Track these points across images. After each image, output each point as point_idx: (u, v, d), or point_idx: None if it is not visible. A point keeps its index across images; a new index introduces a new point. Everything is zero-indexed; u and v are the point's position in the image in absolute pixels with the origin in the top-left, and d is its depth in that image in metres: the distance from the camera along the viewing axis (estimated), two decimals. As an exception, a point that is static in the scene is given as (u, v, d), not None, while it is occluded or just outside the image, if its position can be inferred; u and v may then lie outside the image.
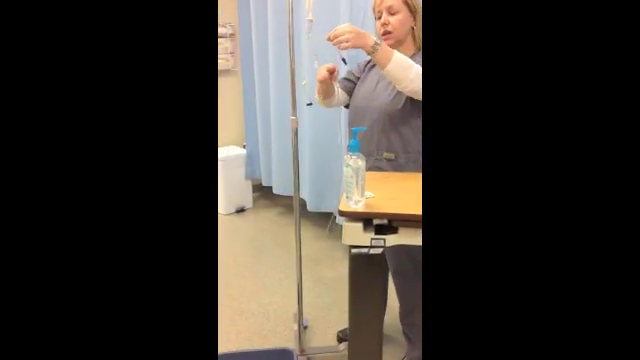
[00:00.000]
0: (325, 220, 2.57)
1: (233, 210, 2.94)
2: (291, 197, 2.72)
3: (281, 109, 2.56)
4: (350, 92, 1.35)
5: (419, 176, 0.68)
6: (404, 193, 0.93)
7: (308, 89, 1.38)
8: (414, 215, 0.79)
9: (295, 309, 1.58)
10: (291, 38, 1.23)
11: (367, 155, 1.22)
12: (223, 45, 2.99)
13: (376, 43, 1.02)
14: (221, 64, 2.97)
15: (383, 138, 1.20)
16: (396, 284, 1.34)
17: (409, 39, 1.22)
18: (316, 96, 1.32)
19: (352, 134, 0.85)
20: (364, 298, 0.94)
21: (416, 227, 0.79)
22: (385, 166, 1.21)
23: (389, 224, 0.83)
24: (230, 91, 3.01)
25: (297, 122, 1.32)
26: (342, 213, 0.85)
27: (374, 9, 1.23)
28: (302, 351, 1.52)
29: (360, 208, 0.85)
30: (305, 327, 1.68)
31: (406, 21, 1.18)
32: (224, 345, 1.60)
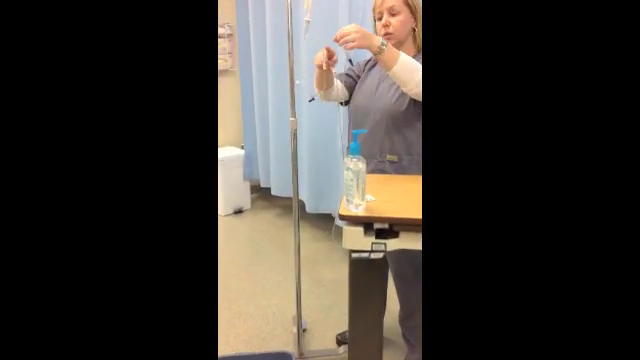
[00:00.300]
0: (324, 221, 2.55)
1: (231, 211, 2.92)
2: (289, 198, 2.71)
3: (279, 109, 2.54)
4: (350, 88, 1.33)
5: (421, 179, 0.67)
6: (406, 196, 0.92)
7: (308, 87, 1.36)
8: (415, 219, 0.78)
9: (294, 312, 1.56)
10: (290, 38, 1.22)
11: (370, 157, 1.21)
12: (221, 45, 2.97)
13: (382, 44, 1.01)
14: (219, 64, 2.95)
15: (386, 140, 1.19)
16: (397, 287, 1.33)
17: (409, 40, 1.21)
18: (315, 89, 1.30)
19: (353, 137, 0.84)
20: (364, 302, 0.93)
21: (417, 231, 0.78)
22: (388, 168, 1.20)
23: (390, 228, 0.82)
24: (228, 91, 2.99)
25: (296, 123, 1.30)
26: (342, 217, 0.84)
27: (374, 10, 1.21)
28: (301, 354, 1.51)
29: (360, 212, 0.84)
30: (304, 330, 1.66)
31: (407, 22, 1.17)
32: (223, 348, 1.58)
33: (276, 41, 2.45)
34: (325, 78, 1.23)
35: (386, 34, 1.18)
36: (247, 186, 3.00)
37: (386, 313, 1.43)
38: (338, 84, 1.30)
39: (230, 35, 2.99)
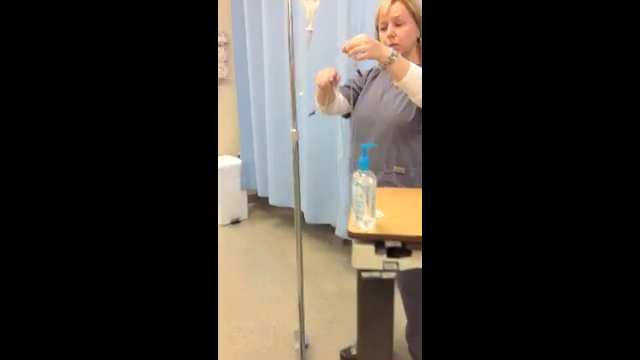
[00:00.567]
0: (324, 232, 2.52)
1: (228, 221, 2.88)
2: (288, 208, 2.68)
3: (277, 118, 2.51)
4: (351, 100, 1.31)
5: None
6: (416, 211, 0.89)
7: (307, 99, 1.33)
8: (429, 237, 0.75)
9: (295, 326, 1.52)
10: (291, 48, 1.19)
11: (376, 169, 1.18)
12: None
13: (393, 54, 0.99)
14: (215, 73, 2.92)
15: (393, 151, 1.17)
16: (404, 302, 1.29)
17: (414, 50, 1.19)
18: (316, 103, 1.27)
19: (361, 151, 0.81)
20: (374, 322, 0.89)
21: (431, 250, 0.75)
22: (395, 180, 1.17)
23: (403, 246, 0.78)
24: (224, 100, 2.96)
25: (298, 135, 1.27)
26: (352, 235, 0.81)
27: (377, 19, 1.19)
28: (304, 372, 1.46)
29: (371, 230, 0.80)
30: (306, 346, 1.62)
31: (412, 32, 1.15)
32: (222, 366, 1.53)
33: (272, 49, 2.43)
34: (327, 94, 1.21)
35: (392, 45, 1.15)
36: (244, 196, 2.96)
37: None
38: (339, 97, 1.27)
39: (226, 44, 2.96)
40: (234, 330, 1.76)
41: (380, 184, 1.16)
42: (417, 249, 0.78)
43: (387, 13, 1.14)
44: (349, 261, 2.36)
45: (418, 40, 1.18)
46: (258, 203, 3.07)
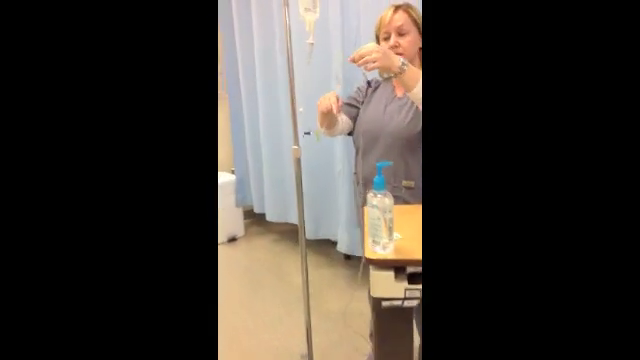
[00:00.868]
0: (325, 247, 2.45)
1: (225, 239, 2.79)
2: (285, 224, 2.61)
3: (272, 132, 2.46)
4: (354, 118, 1.26)
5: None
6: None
7: (305, 116, 1.28)
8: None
9: (299, 348, 1.44)
10: (290, 62, 1.14)
11: (384, 184, 1.13)
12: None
13: (403, 64, 0.94)
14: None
15: (401, 165, 1.12)
16: (418, 322, 1.23)
17: (417, 60, 1.15)
18: (318, 127, 1.23)
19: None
20: (394, 353, 0.83)
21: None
22: (404, 195, 1.12)
23: (425, 272, 0.73)
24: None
25: (300, 152, 1.21)
26: (370, 261, 0.75)
27: (379, 29, 1.15)
28: (314, 399, 1.38)
29: (390, 255, 0.74)
30: (314, 370, 1.54)
31: (416, 42, 1.11)
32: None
33: (264, 62, 2.39)
34: (330, 118, 1.16)
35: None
36: (240, 212, 2.88)
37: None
38: (342, 118, 1.23)
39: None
40: (236, 355, 1.68)
41: None
42: (441, 274, 0.72)
43: (389, 22, 1.10)
44: (351, 276, 2.29)
45: (420, 49, 1.14)
46: (254, 219, 2.99)
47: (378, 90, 1.27)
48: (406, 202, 1.12)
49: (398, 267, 0.74)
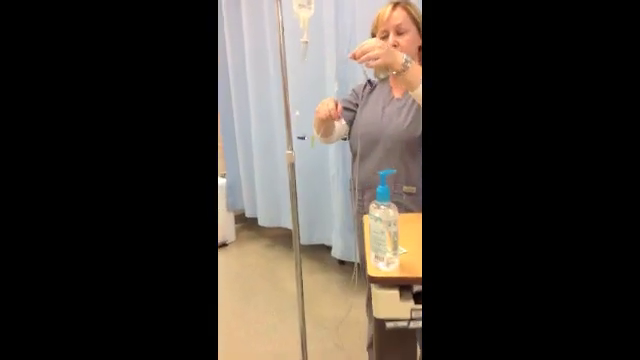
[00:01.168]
0: (319, 252, 2.39)
1: (215, 245, 2.71)
2: (278, 228, 2.54)
3: (263, 135, 2.38)
4: (350, 121, 1.20)
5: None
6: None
7: (301, 120, 1.22)
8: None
9: (295, 358, 1.38)
10: (283, 62, 1.08)
11: None
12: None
13: (407, 61, 0.88)
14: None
15: (401, 170, 1.06)
16: (418, 333, 1.17)
17: (416, 60, 1.09)
18: (314, 134, 1.16)
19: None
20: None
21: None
22: (405, 201, 1.06)
23: (433, 290, 0.67)
24: (206, 117, 2.81)
25: (294, 157, 1.15)
26: (374, 280, 0.68)
27: (376, 27, 1.09)
28: (310, 414, 1.32)
29: (395, 272, 0.68)
30: (309, 383, 1.47)
31: (415, 41, 1.05)
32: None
33: (255, 63, 2.32)
34: (328, 125, 1.10)
35: None
36: (231, 217, 2.81)
37: None
38: (339, 123, 1.17)
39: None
40: (229, 368, 1.61)
41: None
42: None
43: (388, 20, 1.04)
44: (346, 281, 2.23)
45: (420, 49, 1.09)
46: (245, 224, 2.92)
47: (374, 92, 1.21)
48: (407, 209, 1.07)
49: (404, 285, 0.68)
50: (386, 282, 0.68)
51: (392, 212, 0.69)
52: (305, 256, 2.45)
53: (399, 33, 1.04)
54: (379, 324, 0.71)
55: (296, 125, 1.71)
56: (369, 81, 1.19)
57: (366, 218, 0.99)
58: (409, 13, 1.06)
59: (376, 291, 0.69)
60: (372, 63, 0.86)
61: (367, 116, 1.15)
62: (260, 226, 2.60)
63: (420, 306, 0.67)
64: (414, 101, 1.09)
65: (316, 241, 2.22)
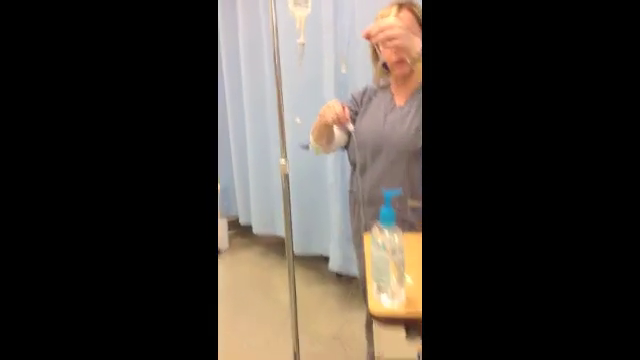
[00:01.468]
0: (315, 262, 2.30)
1: (208, 252, 2.62)
2: (273, 236, 2.45)
3: (258, 140, 2.30)
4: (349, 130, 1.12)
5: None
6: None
7: (302, 127, 1.14)
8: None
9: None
10: (277, 65, 0.99)
11: None
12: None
13: None
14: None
15: (406, 183, 0.97)
16: None
17: (419, 65, 1.01)
18: (312, 142, 1.08)
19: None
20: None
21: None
22: (410, 217, 0.98)
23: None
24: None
25: (288, 167, 1.06)
26: (376, 318, 0.60)
27: (379, 30, 1.01)
28: None
29: (400, 308, 0.60)
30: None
31: (420, 44, 0.97)
32: None
33: (250, 64, 2.23)
34: (330, 131, 1.02)
35: (399, 61, 0.98)
36: (224, 224, 2.71)
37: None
38: (336, 131, 1.09)
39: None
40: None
41: None
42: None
43: None
44: (344, 294, 2.15)
45: None
46: (238, 230, 2.82)
47: (374, 99, 1.12)
48: (412, 226, 0.98)
49: (410, 322, 0.59)
50: (391, 320, 0.59)
51: (398, 238, 0.60)
52: (301, 265, 2.36)
53: None
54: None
55: (295, 132, 1.64)
56: (384, 64, 1.07)
57: (367, 239, 0.90)
58: (415, 15, 0.98)
59: (378, 330, 0.60)
60: (390, 43, 0.78)
61: (368, 124, 1.06)
62: (254, 233, 2.51)
63: (429, 347, 0.58)
64: (418, 109, 1.01)
65: (313, 252, 2.14)
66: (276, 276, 2.35)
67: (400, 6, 0.99)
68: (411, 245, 0.63)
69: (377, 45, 0.82)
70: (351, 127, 1.01)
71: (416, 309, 0.60)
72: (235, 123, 2.48)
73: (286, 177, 1.06)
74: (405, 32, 0.78)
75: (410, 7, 0.99)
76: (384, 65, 1.03)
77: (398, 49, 0.79)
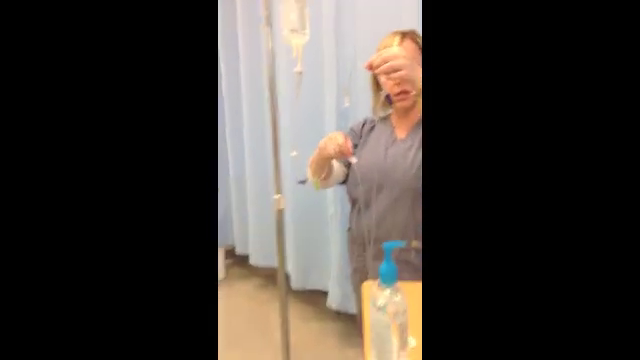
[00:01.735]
0: (315, 296, 2.18)
1: (203, 283, 2.52)
2: (272, 268, 2.35)
3: (257, 167, 2.24)
4: (348, 164, 1.06)
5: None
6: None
7: (299, 160, 1.07)
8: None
9: None
10: (273, 95, 0.94)
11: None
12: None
13: None
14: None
15: (410, 222, 0.90)
16: None
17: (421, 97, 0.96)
18: (309, 177, 1.02)
19: (384, 253, 0.52)
20: None
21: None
22: (414, 260, 0.90)
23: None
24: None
25: (284, 201, 0.99)
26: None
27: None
28: None
29: (403, 382, 0.51)
30: None
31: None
32: None
33: (252, 94, 2.20)
34: (328, 166, 0.96)
35: (402, 92, 0.92)
36: (221, 253, 2.62)
37: None
38: (336, 165, 1.03)
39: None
40: None
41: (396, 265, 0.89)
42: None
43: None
44: (343, 331, 2.03)
45: None
46: (235, 259, 2.72)
47: (374, 131, 1.07)
48: (417, 270, 0.90)
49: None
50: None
51: (399, 299, 0.52)
52: (300, 301, 2.24)
53: None
54: None
55: (296, 165, 1.58)
56: (387, 96, 1.02)
57: (366, 289, 0.82)
58: (419, 45, 0.93)
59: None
60: (394, 75, 0.72)
61: (368, 158, 1.00)
62: (252, 264, 2.41)
63: None
64: (421, 142, 0.94)
65: (311, 286, 2.04)
66: (273, 312, 2.24)
67: (403, 35, 0.94)
68: (415, 296, 0.55)
69: (379, 76, 0.77)
70: (354, 160, 0.95)
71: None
72: (234, 151, 2.43)
73: (280, 212, 0.99)
74: (410, 63, 0.72)
75: (413, 37, 0.95)
76: (387, 97, 0.97)
77: (403, 80, 0.74)
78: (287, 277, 2.15)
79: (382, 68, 0.72)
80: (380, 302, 0.52)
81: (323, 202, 1.85)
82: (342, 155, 0.90)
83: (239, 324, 2.14)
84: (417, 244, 0.91)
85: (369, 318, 0.55)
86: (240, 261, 2.66)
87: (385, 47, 0.94)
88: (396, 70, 0.71)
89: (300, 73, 0.87)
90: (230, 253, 2.68)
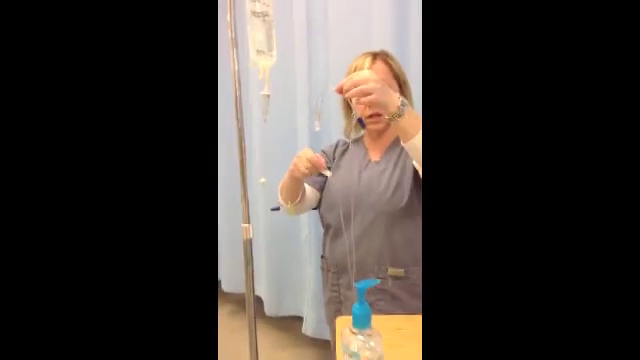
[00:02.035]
0: (289, 322, 2.10)
1: (172, 312, 2.39)
2: (244, 294, 2.26)
3: (228, 189, 2.17)
4: (321, 188, 1.02)
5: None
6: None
7: (269, 187, 1.03)
8: None
9: None
10: (239, 119, 0.89)
11: (364, 273, 0.88)
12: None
13: (403, 104, 0.71)
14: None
15: (385, 248, 0.87)
16: None
17: None
18: (281, 203, 0.97)
19: (357, 293, 0.48)
20: None
21: None
22: (391, 288, 0.86)
23: None
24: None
25: (251, 231, 0.94)
26: None
27: (353, 84, 0.94)
28: None
29: None
30: None
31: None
32: None
33: (223, 117, 2.15)
34: (297, 190, 0.92)
35: (373, 115, 0.90)
36: (192, 279, 2.50)
37: None
38: (308, 189, 0.99)
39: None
40: None
41: (372, 293, 0.85)
42: None
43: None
44: (320, 357, 1.94)
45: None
46: (209, 285, 2.61)
47: (347, 153, 1.04)
48: (394, 297, 0.86)
49: None
50: None
51: (374, 341, 0.47)
52: (272, 327, 2.15)
53: None
54: None
55: (270, 190, 1.53)
56: (360, 120, 0.99)
57: (339, 323, 0.77)
58: (390, 68, 0.92)
59: None
60: (364, 99, 0.69)
61: (341, 182, 0.97)
62: (225, 291, 2.31)
63: None
64: (395, 165, 0.92)
65: (286, 312, 1.96)
66: (245, 340, 2.14)
67: (374, 56, 0.93)
68: (395, 339, 0.50)
69: (350, 99, 0.75)
70: (329, 173, 0.91)
71: None
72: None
73: (248, 242, 0.93)
74: (380, 86, 0.70)
75: (384, 58, 0.93)
76: (359, 120, 0.95)
77: (373, 104, 0.72)
78: (260, 302, 2.07)
79: (352, 92, 0.69)
80: (353, 347, 0.47)
81: (297, 224, 1.80)
82: (315, 170, 0.86)
83: (210, 355, 2.02)
84: (394, 271, 0.88)
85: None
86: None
87: (356, 69, 0.92)
88: (366, 94, 0.69)
89: (268, 96, 0.84)
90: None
